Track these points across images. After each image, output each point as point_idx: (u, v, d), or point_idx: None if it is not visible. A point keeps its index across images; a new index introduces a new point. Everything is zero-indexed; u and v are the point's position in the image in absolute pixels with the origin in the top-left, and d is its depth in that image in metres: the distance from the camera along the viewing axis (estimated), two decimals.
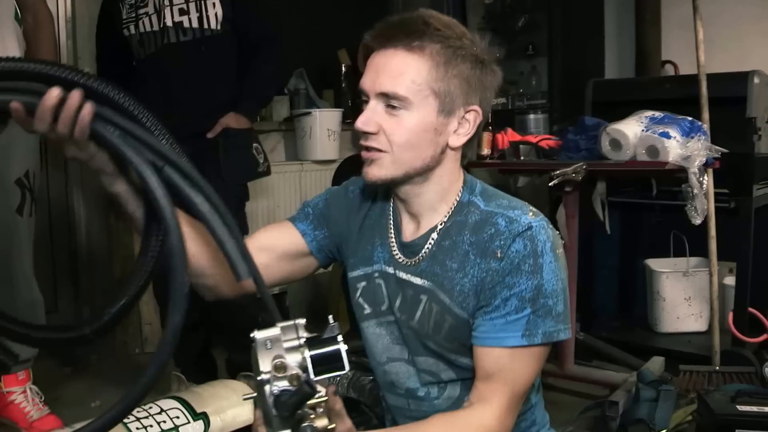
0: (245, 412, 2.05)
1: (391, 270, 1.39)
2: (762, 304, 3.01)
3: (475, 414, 1.25)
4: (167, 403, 1.99)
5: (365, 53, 1.32)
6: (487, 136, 2.95)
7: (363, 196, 1.47)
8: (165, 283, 2.84)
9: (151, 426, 1.88)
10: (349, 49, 4.52)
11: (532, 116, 3.26)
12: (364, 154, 1.32)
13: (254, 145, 2.77)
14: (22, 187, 2.45)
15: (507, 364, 1.25)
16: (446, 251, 1.32)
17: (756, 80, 2.86)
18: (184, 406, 1.98)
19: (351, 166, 3.65)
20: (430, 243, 1.35)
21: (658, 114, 2.68)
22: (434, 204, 1.35)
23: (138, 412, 1.92)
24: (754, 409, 1.94)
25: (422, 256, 1.35)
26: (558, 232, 1.33)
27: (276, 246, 1.45)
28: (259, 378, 0.96)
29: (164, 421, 1.91)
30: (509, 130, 3.03)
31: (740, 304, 2.88)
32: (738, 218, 2.81)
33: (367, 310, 1.43)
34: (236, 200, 2.69)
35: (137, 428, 1.87)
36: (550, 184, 2.58)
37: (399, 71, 1.26)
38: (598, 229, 3.09)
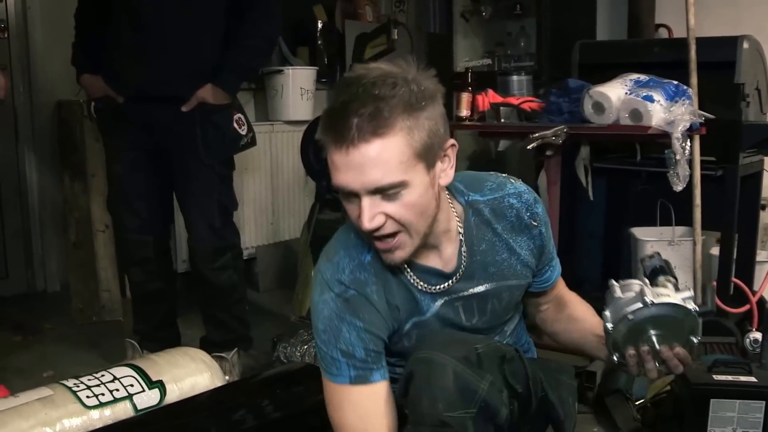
0: (204, 380, 2.06)
1: (447, 298, 1.50)
2: (746, 274, 3.06)
3: None
4: (121, 371, 1.98)
5: (327, 147, 1.30)
6: (466, 97, 2.96)
7: (374, 286, 1.44)
8: (126, 248, 2.82)
9: (102, 394, 1.88)
10: (326, 5, 4.50)
11: (515, 77, 3.25)
12: (382, 245, 1.36)
13: (236, 116, 2.61)
14: None
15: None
16: (487, 252, 1.50)
17: (745, 45, 2.87)
18: (138, 373, 1.98)
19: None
20: (463, 259, 1.48)
21: (643, 77, 2.70)
22: (444, 229, 1.45)
23: (89, 380, 1.92)
24: (730, 378, 1.98)
25: (461, 271, 1.48)
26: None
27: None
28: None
29: (117, 389, 1.91)
30: (490, 92, 3.03)
31: (724, 274, 2.91)
32: (724, 186, 2.84)
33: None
34: (218, 178, 2.57)
35: (87, 396, 1.87)
36: (527, 147, 2.60)
37: (384, 161, 1.26)
38: (582, 196, 3.11)
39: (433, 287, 1.47)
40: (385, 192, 1.29)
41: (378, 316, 1.42)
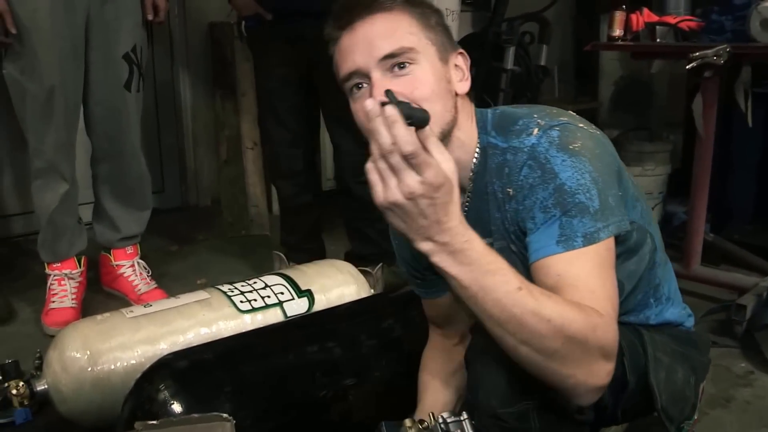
0: (350, 292, 2.13)
1: None
2: None
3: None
4: (272, 279, 2.08)
5: (335, 38, 1.29)
6: (620, 16, 2.84)
7: None
8: (275, 162, 2.89)
9: (255, 300, 1.99)
10: None
11: None
12: None
13: None
14: (129, 62, 2.54)
15: (578, 287, 1.13)
16: (483, 203, 1.33)
17: None
18: (288, 282, 2.07)
19: (466, 47, 3.60)
20: (466, 205, 1.34)
21: None
22: (461, 164, 1.29)
23: (242, 286, 2.03)
24: None
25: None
26: (597, 132, 1.28)
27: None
28: None
29: (268, 296, 2.01)
30: (645, 10, 2.90)
31: None
32: None
33: None
34: None
35: (241, 301, 1.97)
36: (687, 67, 2.47)
37: (392, 29, 1.24)
38: (739, 122, 2.95)
39: None
40: (396, 61, 1.22)
41: None
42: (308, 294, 2.06)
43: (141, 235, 2.77)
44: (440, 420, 1.30)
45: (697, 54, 2.44)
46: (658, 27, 2.87)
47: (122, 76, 2.53)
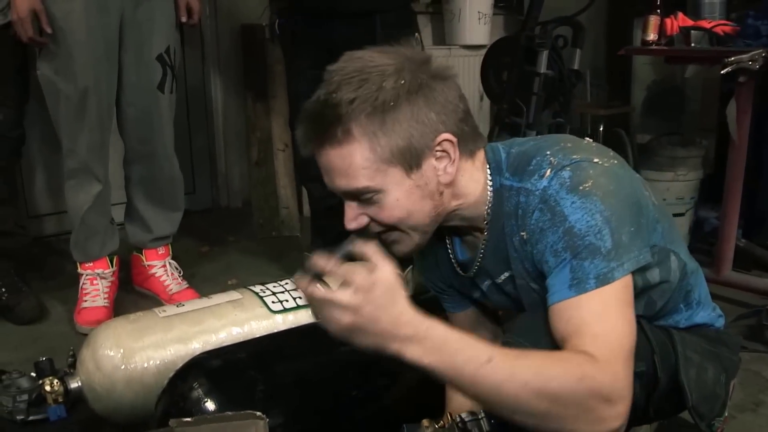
0: None
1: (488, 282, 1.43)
2: None
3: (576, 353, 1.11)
4: None
5: None
6: (654, 20, 2.84)
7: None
8: (306, 164, 2.92)
9: (287, 301, 1.99)
10: None
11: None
12: (382, 239, 1.28)
13: (415, 35, 2.62)
14: (163, 63, 2.57)
15: (585, 332, 1.11)
16: (501, 242, 1.31)
17: None
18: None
19: (499, 51, 3.61)
20: (483, 246, 1.35)
21: None
22: (474, 219, 1.33)
23: (274, 287, 2.04)
24: None
25: (477, 264, 1.39)
26: (613, 163, 1.25)
27: None
28: None
29: (299, 297, 2.01)
30: (680, 14, 2.89)
31: None
32: None
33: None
34: None
35: (273, 302, 1.98)
36: (722, 72, 2.46)
37: (345, 167, 1.20)
38: None
39: (465, 272, 1.44)
40: (358, 197, 1.23)
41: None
42: None
43: (173, 235, 2.80)
44: (458, 419, 1.31)
45: (733, 59, 2.43)
46: (692, 31, 2.86)
47: (155, 78, 2.56)
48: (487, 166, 1.31)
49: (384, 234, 1.27)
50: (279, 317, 1.95)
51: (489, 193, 1.30)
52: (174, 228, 2.79)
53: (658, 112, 4.33)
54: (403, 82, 1.18)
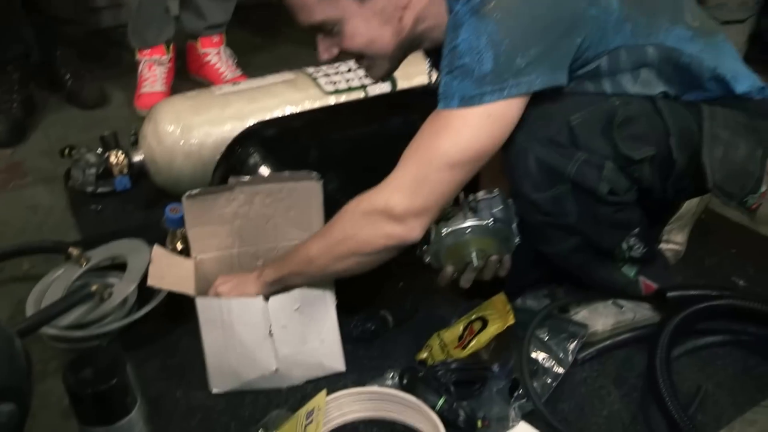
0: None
1: None
2: None
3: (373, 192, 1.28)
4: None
5: None
6: None
7: None
8: None
9: (339, 82, 2.03)
10: None
11: None
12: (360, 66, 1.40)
13: None
14: None
15: (423, 137, 1.23)
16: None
17: None
18: None
19: None
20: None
21: None
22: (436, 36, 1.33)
23: (327, 68, 2.08)
24: None
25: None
26: None
27: None
28: None
29: (351, 79, 2.05)
30: None
31: None
32: None
33: None
34: None
35: (326, 83, 2.02)
36: None
37: (299, 4, 1.26)
38: None
39: None
40: (323, 31, 1.30)
41: None
42: (391, 78, 2.08)
43: (226, 24, 2.80)
44: (471, 198, 1.36)
45: None
46: None
47: None
48: None
49: (358, 62, 1.39)
50: (332, 97, 2.00)
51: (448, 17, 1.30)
52: (227, 16, 2.79)
53: None
54: None
